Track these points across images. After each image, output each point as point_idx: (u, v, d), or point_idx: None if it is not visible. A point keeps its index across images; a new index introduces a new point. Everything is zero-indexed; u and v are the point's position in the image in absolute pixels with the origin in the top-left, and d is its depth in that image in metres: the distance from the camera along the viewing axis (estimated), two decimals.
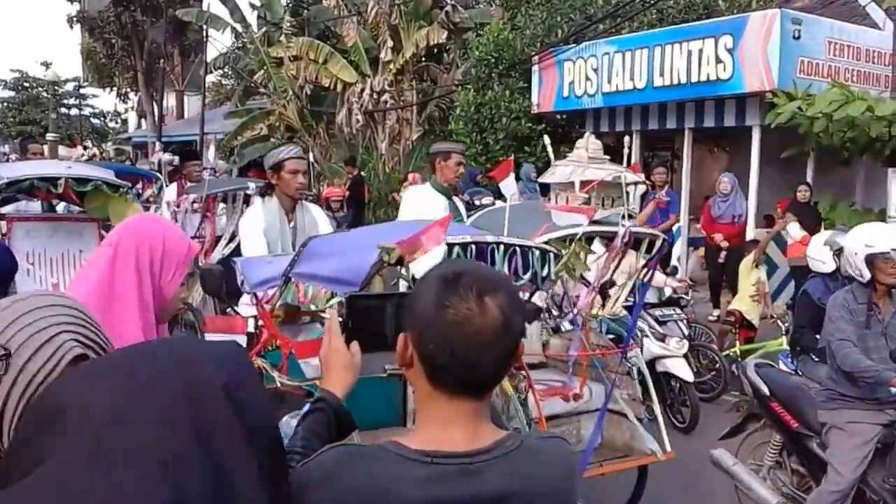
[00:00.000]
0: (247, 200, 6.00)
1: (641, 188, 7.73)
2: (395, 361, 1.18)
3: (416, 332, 1.13)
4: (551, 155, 4.70)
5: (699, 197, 10.07)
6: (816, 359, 4.74)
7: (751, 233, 8.66)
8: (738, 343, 6.86)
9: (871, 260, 3.41)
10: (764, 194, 9.07)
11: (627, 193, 4.35)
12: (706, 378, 6.35)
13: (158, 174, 8.23)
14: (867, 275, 3.43)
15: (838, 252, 4.58)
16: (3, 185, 4.87)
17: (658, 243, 3.92)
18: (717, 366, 6.35)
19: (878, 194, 8.34)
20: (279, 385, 2.85)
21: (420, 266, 2.25)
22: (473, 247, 2.68)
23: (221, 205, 6.52)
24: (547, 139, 4.70)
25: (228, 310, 4.38)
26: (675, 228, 8.51)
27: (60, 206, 5.93)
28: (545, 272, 2.97)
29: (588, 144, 4.60)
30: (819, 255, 4.85)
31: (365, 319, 1.39)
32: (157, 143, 21.23)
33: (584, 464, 3.53)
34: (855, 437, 3.36)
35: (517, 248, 2.87)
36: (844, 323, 3.40)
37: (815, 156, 8.95)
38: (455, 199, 4.59)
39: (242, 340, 3.41)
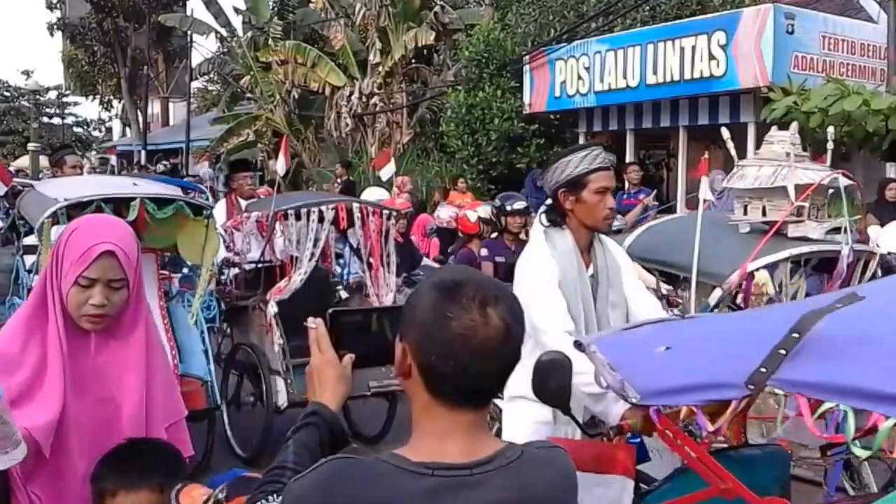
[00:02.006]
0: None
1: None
2: (381, 378, 1.09)
3: (416, 342, 1.12)
4: (734, 154, 3.69)
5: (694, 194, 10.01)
6: None
7: None
8: None
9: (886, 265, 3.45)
10: None
11: (852, 200, 3.31)
12: None
13: (202, 188, 7.36)
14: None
15: None
16: (61, 210, 3.59)
17: (873, 263, 3.29)
18: None
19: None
20: None
21: None
22: None
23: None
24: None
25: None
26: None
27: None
28: None
29: (790, 138, 3.37)
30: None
31: (349, 335, 1.39)
32: (192, 156, 18.80)
33: None
34: None
35: None
36: None
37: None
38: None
39: None
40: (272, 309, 4.41)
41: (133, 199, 3.73)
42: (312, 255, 4.61)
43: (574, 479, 1.23)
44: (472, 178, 11.97)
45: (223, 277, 5.01)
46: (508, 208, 5.32)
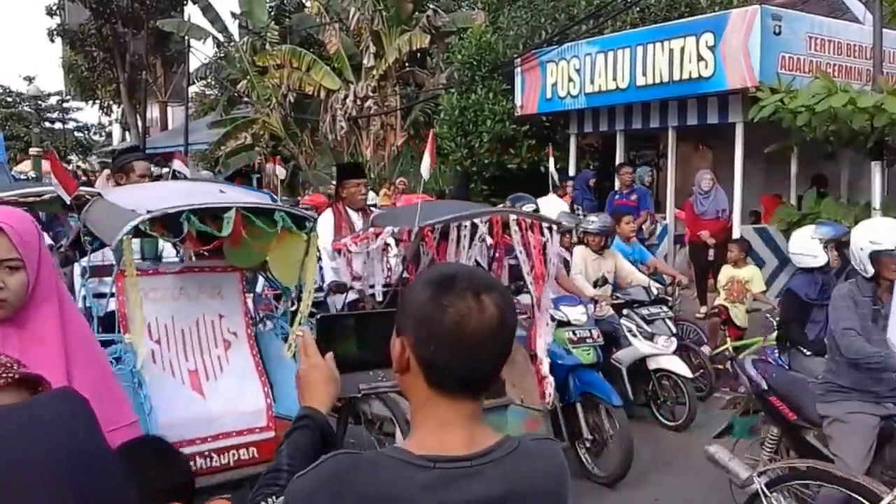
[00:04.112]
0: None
1: None
2: (371, 381, 1.19)
3: (414, 335, 1.14)
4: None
5: (685, 195, 10.06)
6: (808, 352, 4.72)
7: (737, 230, 8.64)
8: (728, 340, 6.82)
9: (875, 257, 3.43)
10: (748, 190, 9.07)
11: None
12: (695, 376, 6.32)
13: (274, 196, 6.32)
14: (871, 270, 3.45)
15: (828, 244, 4.56)
16: (144, 225, 3.06)
17: None
18: (704, 365, 6.32)
19: (864, 187, 8.35)
20: None
21: None
22: None
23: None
24: None
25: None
26: (654, 226, 8.53)
27: (168, 250, 3.91)
28: None
29: None
30: (809, 250, 4.81)
31: (336, 339, 1.39)
32: (190, 159, 17.12)
33: None
34: (857, 427, 3.38)
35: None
36: (849, 312, 3.41)
37: (799, 151, 8.96)
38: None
39: None
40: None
41: (227, 209, 3.04)
42: None
43: (566, 469, 1.26)
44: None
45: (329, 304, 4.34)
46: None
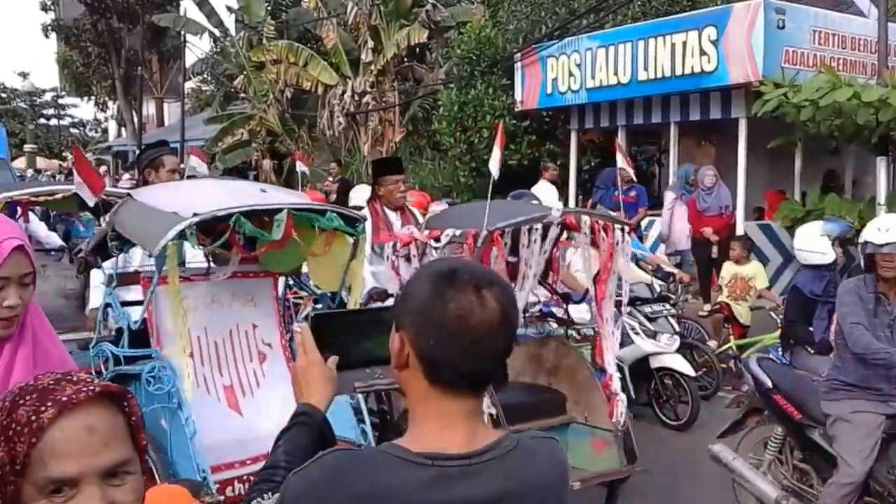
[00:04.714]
0: None
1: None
2: (366, 379, 1.20)
3: (414, 329, 1.13)
4: None
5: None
6: (812, 350, 4.68)
7: (740, 226, 8.56)
8: (731, 338, 6.74)
9: (868, 253, 3.42)
10: (752, 186, 8.99)
11: None
12: (698, 375, 6.23)
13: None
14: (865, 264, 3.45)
15: (835, 241, 4.51)
16: (191, 230, 2.76)
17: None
18: (711, 363, 6.23)
19: (868, 183, 8.27)
20: None
21: None
22: None
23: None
24: None
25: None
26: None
27: (192, 254, 3.48)
28: None
29: None
30: (817, 247, 4.74)
31: (334, 338, 1.37)
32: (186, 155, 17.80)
33: None
34: (861, 426, 3.36)
35: None
36: (855, 307, 3.39)
37: (803, 146, 8.89)
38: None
39: None
40: None
41: (279, 210, 2.83)
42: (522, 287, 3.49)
43: (566, 468, 1.25)
44: (465, 176, 11.95)
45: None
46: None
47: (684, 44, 9.00)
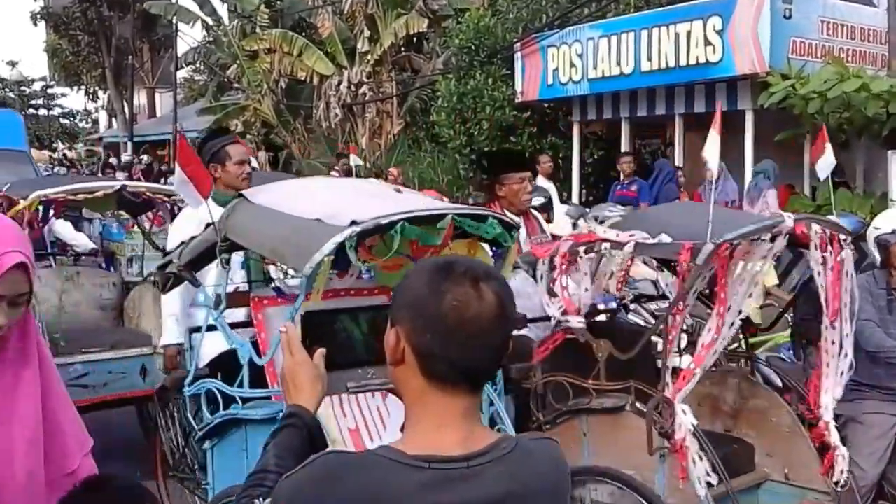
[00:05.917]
0: None
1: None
2: (359, 378, 1.14)
3: (410, 323, 1.11)
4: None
5: (693, 184, 9.85)
6: None
7: None
8: (741, 337, 6.62)
9: (881, 242, 3.39)
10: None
11: None
12: None
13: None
14: (878, 258, 3.42)
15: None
16: (350, 242, 2.23)
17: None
18: (719, 362, 6.13)
19: (879, 177, 8.16)
20: None
21: None
22: None
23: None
24: None
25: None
26: None
27: (240, 276, 3.11)
28: None
29: None
30: None
31: (324, 338, 1.34)
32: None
33: None
34: (873, 428, 3.34)
35: None
36: (866, 304, 3.35)
37: (811, 139, 8.74)
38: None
39: None
40: (686, 419, 2.53)
41: (442, 216, 2.36)
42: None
43: (566, 470, 1.23)
44: (465, 168, 11.78)
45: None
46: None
47: (689, 33, 8.87)
